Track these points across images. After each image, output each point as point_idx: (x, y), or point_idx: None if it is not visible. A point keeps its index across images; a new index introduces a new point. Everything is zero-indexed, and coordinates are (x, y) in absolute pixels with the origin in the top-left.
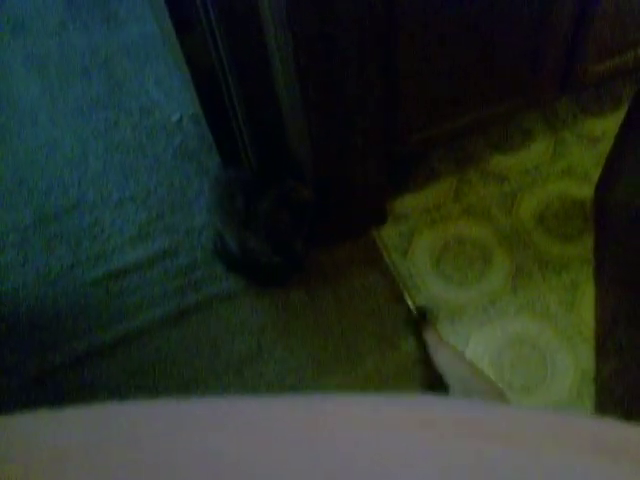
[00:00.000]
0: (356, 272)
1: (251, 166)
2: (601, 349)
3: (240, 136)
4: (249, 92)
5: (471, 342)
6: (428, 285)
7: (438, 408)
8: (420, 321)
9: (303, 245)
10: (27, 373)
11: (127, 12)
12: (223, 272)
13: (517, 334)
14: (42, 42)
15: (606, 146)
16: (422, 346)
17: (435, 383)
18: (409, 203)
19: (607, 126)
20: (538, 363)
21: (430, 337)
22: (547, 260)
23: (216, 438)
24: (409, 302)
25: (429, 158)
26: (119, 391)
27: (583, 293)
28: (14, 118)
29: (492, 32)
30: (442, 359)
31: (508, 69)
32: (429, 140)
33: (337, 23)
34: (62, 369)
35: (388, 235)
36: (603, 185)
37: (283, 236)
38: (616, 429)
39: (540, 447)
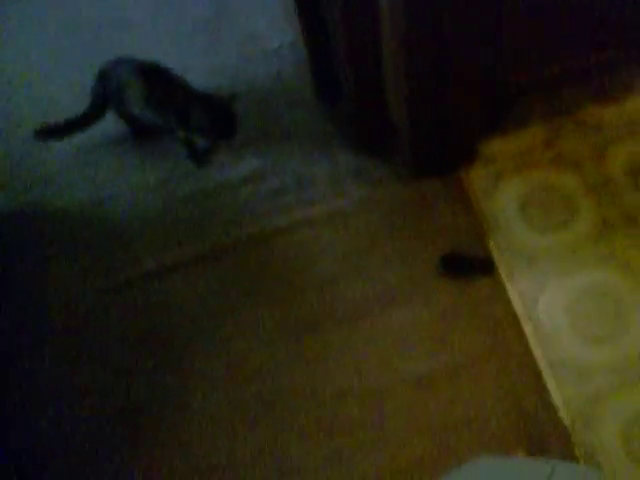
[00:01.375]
0: (441, 208)
1: (346, 101)
2: None
3: (339, 70)
4: (351, 22)
5: (548, 288)
6: (511, 228)
7: None
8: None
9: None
10: (115, 278)
11: None
12: (309, 196)
13: (595, 284)
14: None
15: None
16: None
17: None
18: (500, 146)
19: None
20: (613, 315)
21: None
22: (634, 216)
23: None
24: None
25: (524, 103)
26: (203, 302)
27: None
28: (119, 34)
29: None
30: None
31: (618, 17)
32: (527, 84)
33: None
34: (150, 277)
35: (476, 175)
36: None
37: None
38: None
39: None
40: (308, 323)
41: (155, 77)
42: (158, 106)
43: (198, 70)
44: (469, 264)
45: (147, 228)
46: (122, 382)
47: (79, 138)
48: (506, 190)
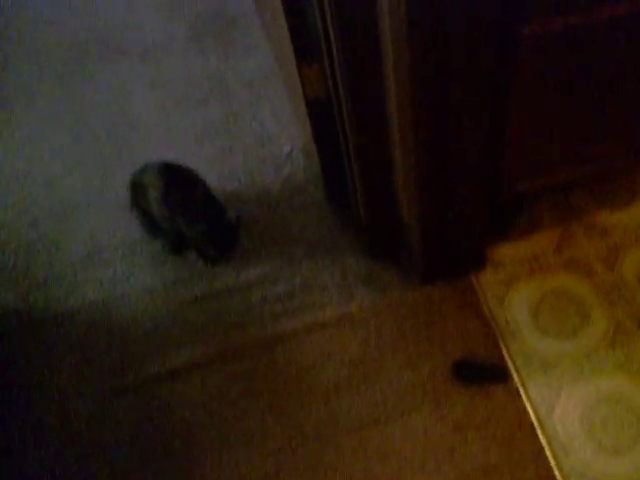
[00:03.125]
0: (452, 313)
1: (356, 204)
2: None
3: (349, 173)
4: (362, 131)
5: (563, 395)
6: (523, 333)
7: None
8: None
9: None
10: (121, 381)
11: (244, 43)
12: (318, 300)
13: (611, 392)
14: (165, 67)
15: None
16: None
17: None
18: (509, 251)
19: None
20: (631, 424)
21: None
22: None
23: None
24: (505, 351)
25: (532, 207)
26: (207, 408)
27: None
28: (132, 136)
29: (616, 87)
30: None
31: (628, 127)
32: (533, 190)
33: (452, 72)
34: (154, 381)
35: (486, 281)
36: None
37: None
38: None
39: None
40: (316, 432)
41: (176, 179)
42: (174, 207)
43: (208, 174)
44: (482, 371)
45: (156, 330)
46: None
47: (91, 238)
48: (517, 295)
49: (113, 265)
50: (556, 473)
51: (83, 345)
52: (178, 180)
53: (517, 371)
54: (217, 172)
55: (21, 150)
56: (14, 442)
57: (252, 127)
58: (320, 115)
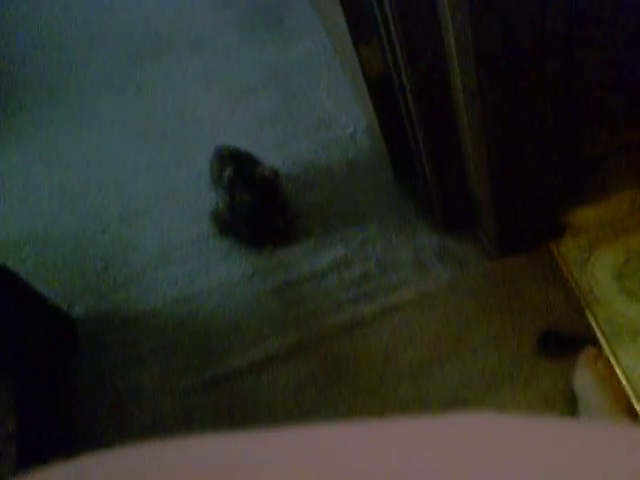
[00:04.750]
0: (533, 284)
1: (425, 180)
2: None
3: (416, 149)
4: (426, 105)
5: None
6: (609, 301)
7: None
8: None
9: (281, 216)
10: (204, 376)
11: (299, 28)
12: (395, 281)
13: None
14: (219, 59)
15: None
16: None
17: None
18: (589, 215)
19: None
20: None
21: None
22: None
23: None
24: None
25: (608, 170)
26: (292, 398)
27: None
28: (194, 132)
29: None
30: (582, 382)
31: None
32: (607, 151)
33: (517, 40)
34: (237, 374)
35: (567, 249)
36: None
37: (249, 211)
38: None
39: None
40: (403, 413)
41: (231, 160)
42: (227, 186)
43: (274, 161)
44: (569, 342)
45: (233, 324)
46: None
47: (161, 238)
48: (600, 260)
49: (188, 262)
50: None
51: (166, 343)
52: (231, 160)
53: (606, 339)
54: (282, 159)
55: (87, 157)
56: (107, 444)
57: (313, 111)
58: (381, 93)
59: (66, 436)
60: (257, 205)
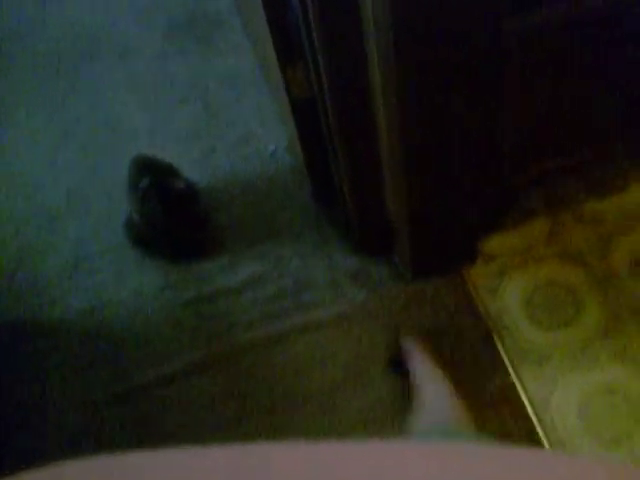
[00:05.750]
0: (444, 308)
1: (343, 201)
2: None
3: (335, 170)
4: (348, 126)
5: (559, 387)
6: (517, 326)
7: None
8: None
9: (196, 230)
10: (112, 390)
11: (225, 42)
12: (309, 300)
13: (607, 383)
14: (144, 68)
15: None
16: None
17: None
18: (501, 243)
19: None
20: (629, 415)
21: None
22: None
23: None
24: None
25: (522, 199)
26: (200, 413)
27: None
28: (117, 139)
29: (608, 76)
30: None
31: (619, 115)
32: (523, 181)
33: (446, 66)
34: (146, 387)
35: (478, 274)
36: None
37: (161, 224)
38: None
39: None
40: (311, 434)
41: (149, 170)
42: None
43: (192, 174)
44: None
45: (146, 336)
46: None
47: (77, 244)
48: (510, 287)
49: (101, 271)
50: None
51: (74, 355)
52: (145, 168)
53: (512, 365)
54: (201, 172)
55: (6, 157)
56: (14, 459)
57: (235, 126)
58: (304, 114)
59: None
60: (168, 218)
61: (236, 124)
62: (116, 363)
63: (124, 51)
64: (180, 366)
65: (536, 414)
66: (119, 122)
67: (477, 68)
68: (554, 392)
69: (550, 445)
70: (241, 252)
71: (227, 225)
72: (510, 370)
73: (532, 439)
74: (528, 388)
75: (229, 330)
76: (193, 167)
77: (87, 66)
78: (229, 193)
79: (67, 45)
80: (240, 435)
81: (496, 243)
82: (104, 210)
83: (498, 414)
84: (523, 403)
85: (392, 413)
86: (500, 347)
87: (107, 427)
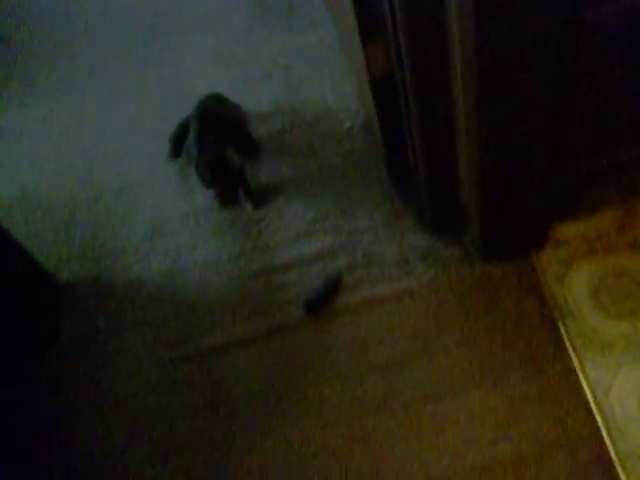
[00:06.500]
0: (511, 291)
1: (417, 181)
2: None
3: (411, 150)
4: (426, 107)
5: (620, 376)
6: (582, 313)
7: None
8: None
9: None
10: (183, 350)
11: (308, 19)
12: (378, 274)
13: None
14: (228, 42)
15: None
16: None
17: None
18: (571, 230)
19: None
20: None
21: None
22: None
23: None
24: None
25: (596, 187)
26: (264, 381)
27: None
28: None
29: None
30: None
31: None
32: (597, 169)
33: (523, 47)
34: (213, 352)
35: (547, 260)
36: None
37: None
38: None
39: None
40: (373, 405)
41: (209, 117)
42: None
43: (272, 148)
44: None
45: (217, 302)
46: (182, 457)
47: (154, 210)
48: (578, 275)
49: (178, 236)
50: (612, 454)
51: (148, 314)
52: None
53: (576, 352)
54: (279, 147)
55: (86, 125)
56: (81, 412)
57: (313, 102)
58: (383, 92)
59: (41, 402)
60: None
61: (314, 100)
62: (185, 326)
63: (206, 24)
64: (247, 333)
65: (596, 401)
66: (198, 92)
67: (556, 47)
68: (615, 381)
69: (608, 433)
70: (314, 224)
71: (302, 198)
72: (572, 356)
73: (590, 427)
74: (589, 375)
75: (296, 301)
76: (272, 142)
77: (168, 37)
78: (305, 168)
79: (149, 15)
80: (303, 405)
81: (567, 230)
82: (182, 176)
83: (557, 398)
84: (583, 389)
85: (453, 391)
86: (564, 333)
87: (177, 385)
